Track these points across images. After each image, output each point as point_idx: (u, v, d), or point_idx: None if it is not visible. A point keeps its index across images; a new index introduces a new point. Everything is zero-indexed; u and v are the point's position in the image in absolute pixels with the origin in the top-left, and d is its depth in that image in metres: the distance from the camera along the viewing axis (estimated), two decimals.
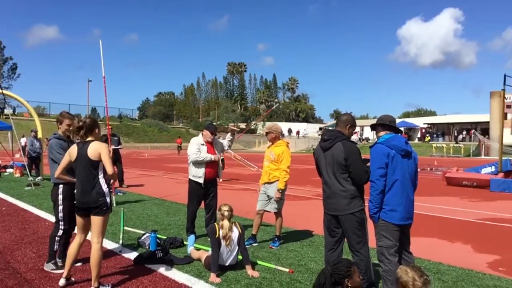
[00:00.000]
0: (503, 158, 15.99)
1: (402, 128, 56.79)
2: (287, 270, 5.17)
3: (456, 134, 49.64)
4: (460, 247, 6.71)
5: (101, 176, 4.46)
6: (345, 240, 4.41)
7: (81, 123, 4.52)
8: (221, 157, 7.51)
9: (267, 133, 6.58)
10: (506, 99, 20.35)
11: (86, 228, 4.65)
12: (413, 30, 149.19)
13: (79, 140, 4.57)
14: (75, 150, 4.51)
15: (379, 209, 4.06)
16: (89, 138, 4.55)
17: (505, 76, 16.48)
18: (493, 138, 32.26)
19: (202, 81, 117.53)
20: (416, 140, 55.76)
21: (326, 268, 3.54)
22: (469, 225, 8.52)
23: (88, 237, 4.66)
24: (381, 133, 4.29)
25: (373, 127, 4.43)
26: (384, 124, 4.30)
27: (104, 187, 4.46)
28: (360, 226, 4.28)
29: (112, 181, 5.11)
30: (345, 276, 3.38)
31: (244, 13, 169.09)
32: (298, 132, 63.47)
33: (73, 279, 4.72)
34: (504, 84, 16.50)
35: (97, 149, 4.42)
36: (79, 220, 4.61)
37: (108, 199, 4.48)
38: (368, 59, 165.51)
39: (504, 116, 21.84)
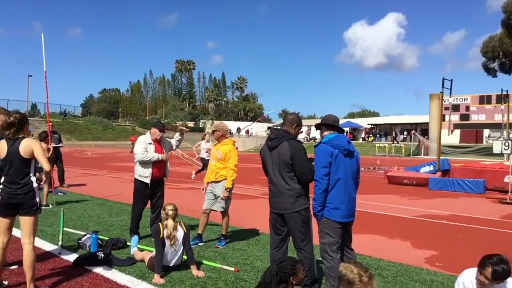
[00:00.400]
0: (440, 157, 16.79)
1: (347, 128, 58.43)
2: (232, 269, 5.16)
3: (394, 135, 51.68)
4: (399, 244, 6.97)
5: (31, 174, 4.25)
6: (290, 238, 4.46)
7: (12, 119, 4.25)
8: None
9: (213, 132, 6.53)
10: (444, 101, 21.41)
11: (10, 230, 4.37)
12: (358, 33, 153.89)
13: (9, 137, 4.28)
14: (4, 147, 4.24)
15: (322, 207, 4.14)
16: (20, 135, 4.30)
17: (443, 79, 17.35)
18: (432, 139, 33.75)
19: (150, 78, 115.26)
20: (360, 140, 57.43)
21: (271, 266, 3.55)
22: (408, 222, 8.87)
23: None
24: (325, 133, 4.36)
25: (318, 127, 4.50)
26: (328, 124, 4.38)
27: (35, 186, 4.25)
28: (305, 224, 4.35)
29: (44, 179, 4.86)
30: (290, 274, 3.41)
31: (193, 10, 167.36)
32: (247, 131, 63.70)
33: (5, 282, 4.47)
34: (442, 87, 17.36)
35: (29, 146, 4.19)
36: (3, 221, 4.30)
37: (38, 199, 4.28)
38: (316, 60, 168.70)
39: (442, 118, 22.95)
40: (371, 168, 24.13)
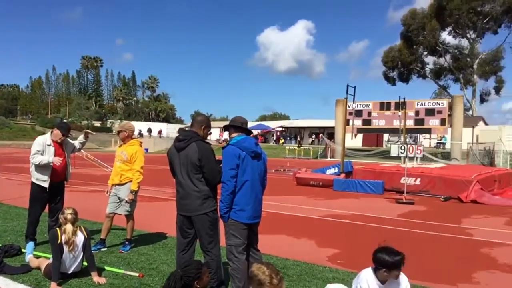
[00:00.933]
0: (345, 160, 17.66)
1: (259, 131, 59.55)
2: (137, 274, 4.98)
3: (299, 138, 53.87)
4: (305, 243, 7.19)
5: None
6: (197, 240, 4.41)
7: None
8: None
9: (119, 132, 6.27)
10: (348, 107, 22.56)
11: None
12: (271, 37, 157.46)
13: None
14: None
15: (229, 209, 4.13)
16: None
17: (347, 86, 18.26)
18: (338, 142, 35.43)
19: (52, 74, 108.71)
20: (272, 143, 58.80)
21: (176, 270, 3.47)
22: (314, 221, 9.19)
23: None
24: (233, 135, 4.37)
25: (226, 128, 4.50)
26: (236, 126, 4.39)
27: None
28: (213, 226, 4.32)
29: None
30: (195, 278, 3.36)
31: (100, 4, 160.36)
32: (160, 132, 62.36)
33: None
34: (347, 93, 18.28)
35: None
36: None
37: None
38: (229, 62, 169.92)
39: (347, 122, 24.18)
40: (281, 170, 24.74)
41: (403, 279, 3.59)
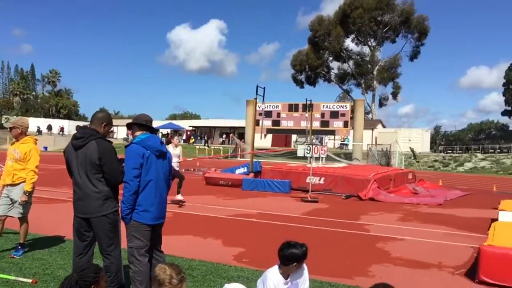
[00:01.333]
0: (254, 160, 17.96)
1: (168, 130, 58.54)
2: (29, 280, 4.64)
3: (206, 138, 54.18)
4: (211, 242, 7.19)
5: None
6: (96, 243, 4.20)
7: None
8: None
9: (11, 129, 5.80)
10: (258, 108, 22.99)
11: None
12: (182, 35, 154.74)
13: None
14: None
15: (131, 210, 4.00)
16: None
17: (257, 87, 18.62)
18: (248, 142, 35.93)
19: None
20: (182, 142, 58.18)
21: (71, 275, 3.26)
22: (222, 221, 9.22)
23: None
24: (137, 133, 4.24)
25: (129, 126, 4.34)
26: (140, 124, 4.26)
27: None
28: (113, 228, 4.15)
29: None
30: (92, 282, 3.18)
31: None
32: (62, 129, 58.79)
33: None
34: (256, 94, 18.64)
35: None
36: None
37: None
38: (138, 58, 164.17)
39: (256, 123, 24.60)
40: (191, 170, 24.55)
41: (304, 266, 3.74)
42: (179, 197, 10.95)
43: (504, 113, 72.19)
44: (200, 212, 10.09)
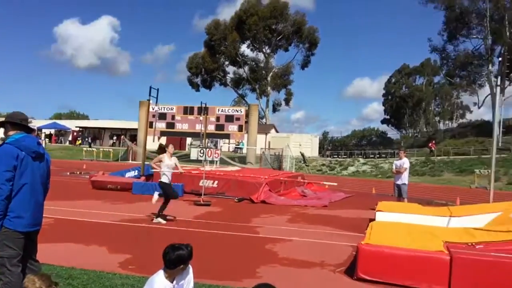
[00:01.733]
0: (145, 163, 17.46)
1: (53, 130, 54.80)
2: None
3: (90, 140, 51.91)
4: (95, 250, 6.81)
5: None
6: None
7: None
8: None
9: None
10: (152, 109, 22.46)
11: None
12: (70, 30, 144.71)
13: None
14: None
15: (3, 217, 3.65)
16: None
17: (150, 88, 18.18)
18: (140, 144, 34.91)
19: None
20: (68, 143, 54.76)
21: None
22: (108, 227, 8.80)
23: None
24: (11, 133, 3.90)
25: (2, 125, 3.97)
26: (14, 123, 3.91)
27: None
28: None
29: None
30: None
31: None
32: None
33: None
34: (150, 95, 18.20)
35: None
36: None
37: None
38: (18, 50, 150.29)
39: (149, 125, 24.01)
40: (77, 173, 23.20)
41: (189, 266, 3.70)
42: (160, 219, 9.49)
43: (383, 121, 79.77)
44: (84, 218, 9.51)
